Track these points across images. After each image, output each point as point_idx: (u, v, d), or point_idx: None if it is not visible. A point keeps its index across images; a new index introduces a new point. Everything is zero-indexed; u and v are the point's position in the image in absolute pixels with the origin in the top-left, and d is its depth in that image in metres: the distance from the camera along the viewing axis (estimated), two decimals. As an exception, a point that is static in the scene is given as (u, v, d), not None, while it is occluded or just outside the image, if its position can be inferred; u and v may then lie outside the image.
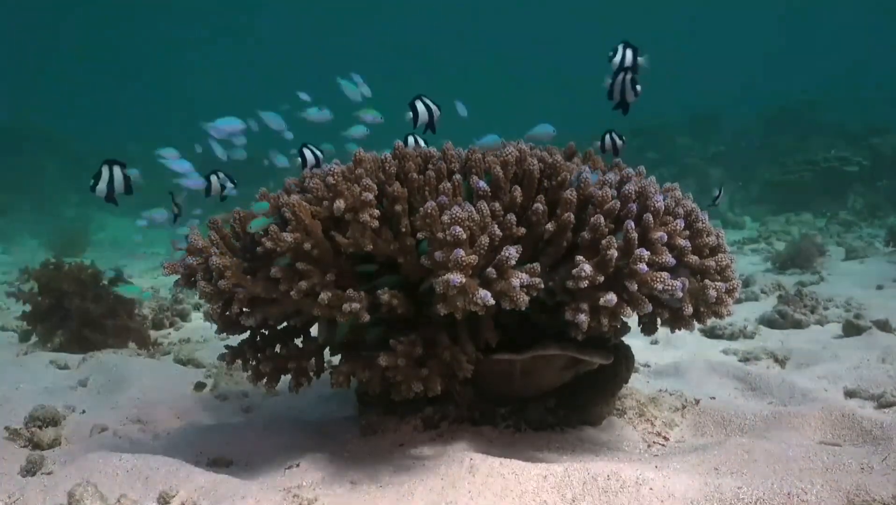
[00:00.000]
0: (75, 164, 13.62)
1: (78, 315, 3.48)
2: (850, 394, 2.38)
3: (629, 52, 2.09)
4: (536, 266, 1.65)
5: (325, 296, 1.71)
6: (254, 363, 1.96)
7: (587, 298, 1.67)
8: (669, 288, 1.67)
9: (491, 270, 1.60)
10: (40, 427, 2.17)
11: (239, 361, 1.99)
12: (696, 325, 1.84)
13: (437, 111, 2.14)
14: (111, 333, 3.49)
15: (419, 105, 2.13)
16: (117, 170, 2.02)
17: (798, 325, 3.56)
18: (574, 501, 1.57)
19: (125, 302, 3.59)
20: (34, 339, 3.63)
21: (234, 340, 2.04)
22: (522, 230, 1.72)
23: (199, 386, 2.75)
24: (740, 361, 2.95)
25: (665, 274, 1.67)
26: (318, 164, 2.10)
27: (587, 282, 1.64)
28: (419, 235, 1.71)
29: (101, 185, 2.02)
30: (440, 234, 1.60)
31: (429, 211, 1.63)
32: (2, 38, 24.91)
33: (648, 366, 2.91)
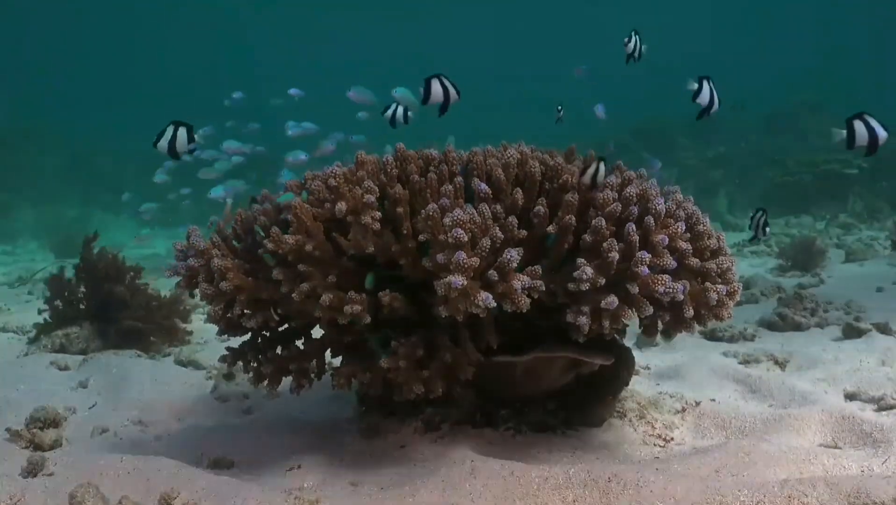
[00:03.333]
0: (75, 164, 13.61)
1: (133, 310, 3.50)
2: (850, 396, 2.39)
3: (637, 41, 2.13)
4: (538, 268, 1.66)
5: (326, 297, 1.72)
6: (255, 365, 1.96)
7: (588, 300, 1.68)
8: (671, 290, 1.67)
9: (492, 273, 1.61)
10: (41, 428, 2.17)
11: (240, 363, 1.99)
12: (697, 327, 1.85)
13: (456, 95, 2.13)
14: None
15: (435, 84, 2.12)
16: (182, 130, 2.13)
17: (798, 327, 3.56)
18: (575, 502, 1.57)
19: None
20: (43, 340, 3.55)
21: (235, 341, 2.04)
22: (524, 232, 1.72)
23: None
24: (740, 363, 2.95)
25: (666, 276, 1.68)
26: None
27: (588, 284, 1.64)
28: (421, 238, 1.71)
29: (163, 142, 2.13)
30: (442, 237, 1.60)
31: (430, 213, 1.63)
32: (1, 37, 24.90)
33: (649, 368, 2.91)
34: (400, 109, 2.42)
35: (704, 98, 2.17)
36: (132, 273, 3.66)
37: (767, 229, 2.44)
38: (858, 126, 1.99)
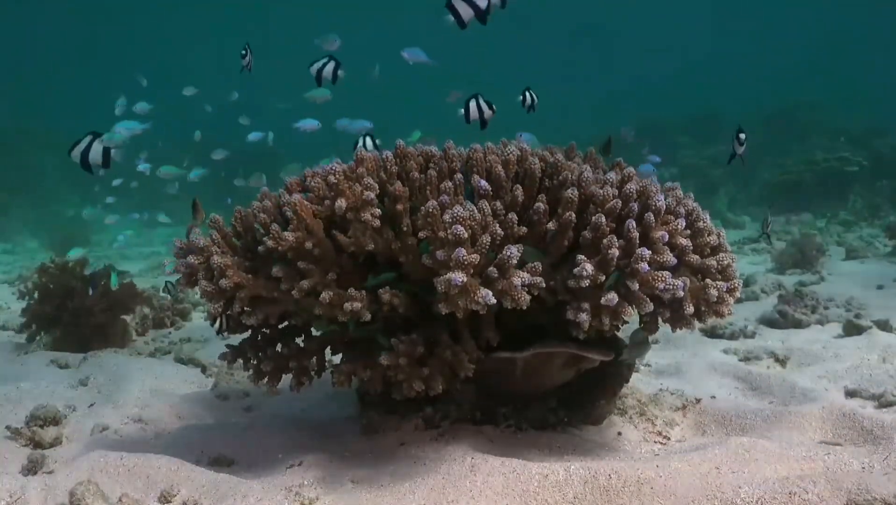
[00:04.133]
0: (75, 164, 13.58)
1: (83, 313, 3.49)
2: (850, 393, 2.39)
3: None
4: (538, 265, 1.65)
5: (326, 295, 1.71)
6: (255, 362, 1.96)
7: (589, 297, 1.68)
8: (671, 287, 1.67)
9: (492, 270, 1.60)
10: (41, 426, 2.17)
11: (240, 361, 1.99)
12: (697, 324, 1.84)
13: (490, 112, 2.25)
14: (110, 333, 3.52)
15: (472, 104, 2.24)
16: (97, 142, 2.12)
17: (798, 324, 3.56)
18: (575, 500, 1.57)
19: (124, 299, 3.61)
20: (39, 337, 3.61)
21: (235, 339, 2.04)
22: (524, 229, 1.72)
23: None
24: (741, 360, 2.95)
25: (666, 273, 1.67)
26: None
27: (588, 281, 1.64)
28: (421, 235, 1.71)
29: (76, 152, 2.14)
30: (442, 234, 1.60)
31: (430, 210, 1.63)
32: (1, 38, 24.90)
33: (649, 365, 2.91)
34: (330, 65, 2.41)
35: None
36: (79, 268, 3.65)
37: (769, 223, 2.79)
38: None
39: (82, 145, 2.11)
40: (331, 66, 2.43)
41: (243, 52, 2.57)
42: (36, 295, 3.59)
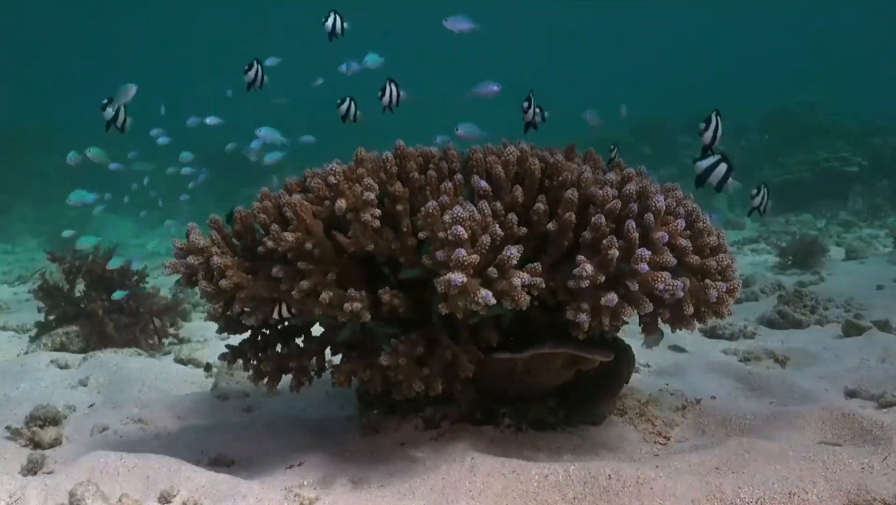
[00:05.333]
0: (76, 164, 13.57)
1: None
2: (850, 394, 2.39)
3: None
4: (538, 266, 1.65)
5: (326, 295, 1.71)
6: (255, 363, 1.96)
7: (588, 297, 1.68)
8: (670, 288, 1.67)
9: (492, 270, 1.60)
10: (41, 426, 2.17)
11: (240, 361, 1.99)
12: (697, 324, 1.84)
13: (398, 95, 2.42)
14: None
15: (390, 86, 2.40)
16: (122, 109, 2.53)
17: (798, 325, 3.56)
18: (575, 500, 1.57)
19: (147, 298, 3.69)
20: (44, 338, 3.59)
21: (235, 339, 2.04)
22: (524, 230, 1.72)
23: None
24: (741, 360, 2.95)
25: (666, 273, 1.67)
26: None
27: (588, 281, 1.64)
28: (420, 235, 1.71)
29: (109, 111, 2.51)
30: (441, 234, 1.60)
31: (430, 210, 1.63)
32: (1, 37, 24.93)
33: (649, 366, 2.91)
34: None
35: (708, 136, 2.27)
36: (137, 276, 3.76)
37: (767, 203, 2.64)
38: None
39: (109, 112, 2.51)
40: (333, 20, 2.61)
41: (246, 68, 2.66)
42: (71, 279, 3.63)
